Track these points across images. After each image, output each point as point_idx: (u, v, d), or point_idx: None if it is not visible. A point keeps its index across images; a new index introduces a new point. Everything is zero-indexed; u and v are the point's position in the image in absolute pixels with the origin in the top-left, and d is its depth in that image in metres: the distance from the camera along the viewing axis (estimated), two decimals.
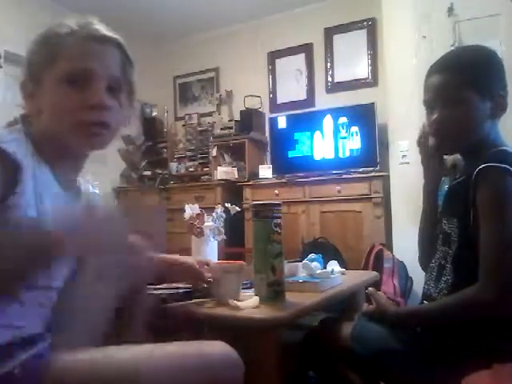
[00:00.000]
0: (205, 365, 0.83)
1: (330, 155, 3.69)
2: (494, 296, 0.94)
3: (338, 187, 3.43)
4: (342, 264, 1.87)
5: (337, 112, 3.71)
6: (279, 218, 1.19)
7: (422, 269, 1.27)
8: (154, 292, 1.27)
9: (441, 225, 1.18)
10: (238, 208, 1.82)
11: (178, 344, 0.86)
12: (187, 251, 1.77)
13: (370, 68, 3.94)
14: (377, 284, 2.26)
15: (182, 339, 0.90)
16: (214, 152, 4.20)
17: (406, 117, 2.97)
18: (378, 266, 2.90)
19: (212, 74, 4.75)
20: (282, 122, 3.97)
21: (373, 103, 3.53)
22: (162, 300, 1.23)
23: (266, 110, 4.34)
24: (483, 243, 0.99)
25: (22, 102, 0.86)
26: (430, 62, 1.20)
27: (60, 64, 0.84)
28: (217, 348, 0.88)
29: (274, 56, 4.40)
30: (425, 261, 1.26)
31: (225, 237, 1.72)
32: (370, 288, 1.25)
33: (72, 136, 0.85)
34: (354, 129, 3.60)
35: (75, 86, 0.84)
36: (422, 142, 1.26)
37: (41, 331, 0.84)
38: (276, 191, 3.68)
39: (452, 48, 2.61)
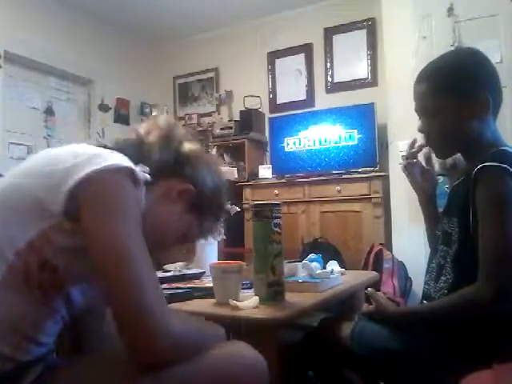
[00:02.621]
0: (215, 369, 0.79)
1: (330, 155, 3.69)
2: (491, 296, 0.94)
3: (338, 187, 3.43)
4: (342, 264, 1.87)
5: (337, 112, 3.71)
6: (279, 218, 1.19)
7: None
8: None
9: (441, 224, 1.18)
10: (237, 208, 1.81)
11: None
12: (187, 251, 1.77)
13: (369, 68, 3.94)
14: (376, 284, 2.26)
15: None
16: (213, 152, 4.20)
17: (405, 117, 2.97)
18: (377, 266, 2.90)
19: (212, 74, 4.75)
20: (281, 122, 3.97)
21: (373, 103, 3.53)
22: None
23: (265, 110, 4.34)
24: (482, 243, 0.99)
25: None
26: None
27: (207, 221, 1.03)
28: (233, 349, 0.85)
29: (273, 56, 4.40)
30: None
31: (224, 237, 1.72)
32: (369, 288, 1.25)
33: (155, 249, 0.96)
34: (354, 129, 3.60)
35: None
36: (407, 168, 1.33)
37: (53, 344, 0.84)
38: (276, 191, 3.68)
39: (452, 48, 2.61)
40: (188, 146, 0.98)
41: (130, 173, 0.79)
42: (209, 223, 1.04)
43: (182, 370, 0.75)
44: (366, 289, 1.29)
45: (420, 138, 1.26)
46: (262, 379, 0.84)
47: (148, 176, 0.85)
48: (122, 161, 0.79)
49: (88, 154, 0.78)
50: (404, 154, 1.35)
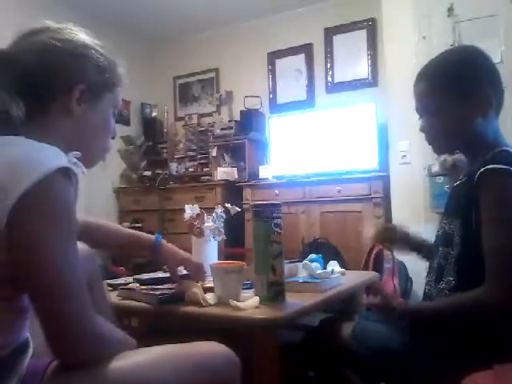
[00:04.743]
0: (197, 364, 0.83)
1: (330, 155, 3.68)
2: (501, 298, 0.94)
3: (338, 187, 3.43)
4: (342, 264, 1.87)
5: (337, 112, 3.71)
6: (279, 218, 1.20)
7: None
8: (153, 292, 1.27)
9: (441, 225, 1.18)
10: (237, 208, 1.82)
11: (169, 346, 0.86)
12: (187, 251, 1.77)
13: (370, 68, 3.94)
14: None
15: (181, 340, 0.90)
16: (214, 152, 4.20)
17: (405, 117, 2.97)
18: (378, 266, 2.90)
19: (212, 74, 4.75)
20: (281, 122, 3.97)
21: (373, 103, 3.53)
22: (161, 300, 1.23)
23: (265, 110, 4.35)
24: (488, 246, 0.99)
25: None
26: None
27: (115, 95, 0.95)
28: (209, 347, 0.87)
29: (274, 56, 4.40)
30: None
31: (225, 237, 1.72)
32: (375, 282, 1.23)
33: (100, 155, 0.97)
34: (354, 129, 3.60)
35: (113, 118, 0.97)
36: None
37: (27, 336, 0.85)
38: (276, 191, 3.68)
39: (450, 48, 2.61)
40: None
41: (65, 173, 0.74)
42: (115, 94, 0.95)
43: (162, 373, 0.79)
44: (366, 289, 1.29)
45: (419, 141, 1.26)
46: (234, 369, 0.87)
47: (81, 165, 0.82)
48: (55, 161, 0.73)
49: (21, 165, 0.72)
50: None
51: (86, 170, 0.85)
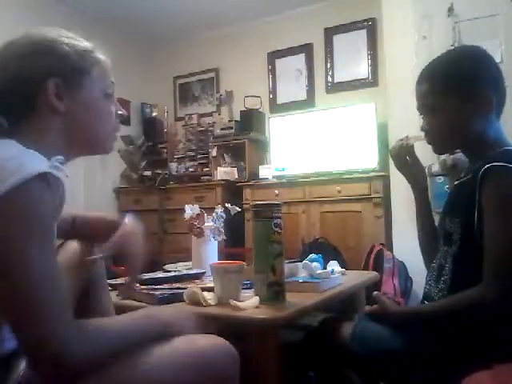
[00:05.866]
0: (195, 358, 0.82)
1: (330, 155, 3.68)
2: (496, 297, 0.94)
3: (338, 187, 3.43)
4: (342, 264, 1.87)
5: (337, 112, 3.71)
6: (279, 218, 1.20)
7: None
8: (153, 292, 1.27)
9: (443, 224, 1.18)
10: (237, 208, 1.82)
11: (166, 340, 0.85)
12: (187, 251, 1.77)
13: (370, 68, 3.94)
14: (377, 284, 2.26)
15: None
16: (214, 152, 4.20)
17: (405, 117, 2.97)
18: (378, 266, 2.90)
19: (212, 74, 4.75)
20: (281, 122, 3.97)
21: (373, 103, 3.53)
22: (161, 300, 1.23)
23: (265, 110, 4.35)
24: (488, 244, 0.99)
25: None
26: None
27: (96, 77, 0.92)
28: (207, 340, 0.87)
29: (274, 56, 4.40)
30: (428, 264, 1.26)
31: (225, 237, 1.72)
32: (375, 292, 1.24)
33: (108, 139, 0.98)
34: (354, 129, 3.60)
35: (108, 99, 0.96)
36: (393, 157, 1.40)
37: None
38: (276, 191, 3.68)
39: (452, 48, 2.61)
40: None
41: (43, 178, 0.73)
42: (94, 78, 0.92)
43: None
44: (366, 289, 1.29)
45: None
46: (233, 362, 0.87)
47: (64, 169, 0.81)
48: (34, 167, 0.72)
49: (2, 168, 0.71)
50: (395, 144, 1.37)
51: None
